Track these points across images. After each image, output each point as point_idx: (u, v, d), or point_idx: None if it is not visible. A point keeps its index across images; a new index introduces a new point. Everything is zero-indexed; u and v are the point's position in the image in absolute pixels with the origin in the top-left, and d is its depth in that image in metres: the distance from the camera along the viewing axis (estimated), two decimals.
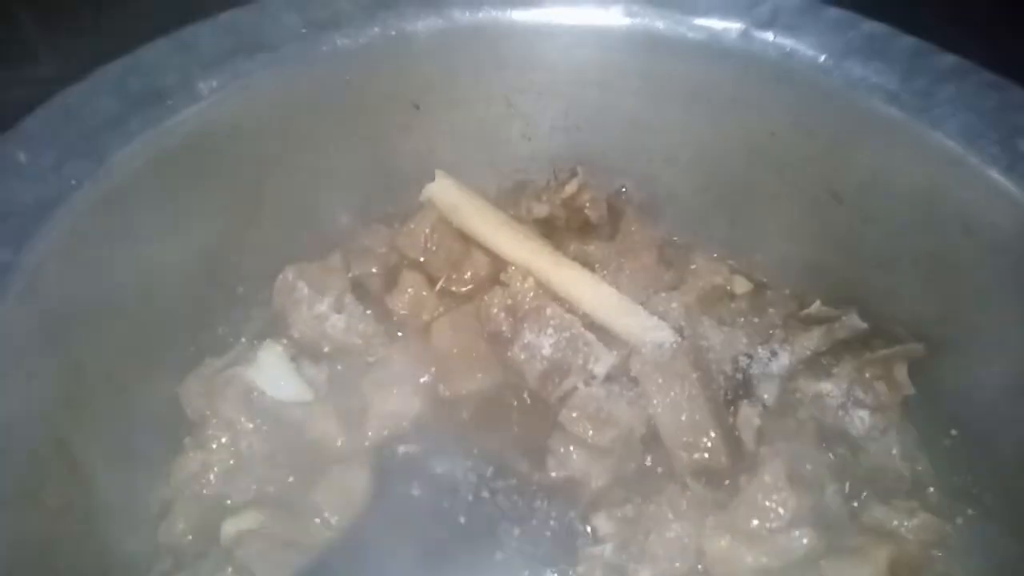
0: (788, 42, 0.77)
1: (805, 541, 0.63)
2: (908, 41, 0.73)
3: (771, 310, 0.85)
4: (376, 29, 0.80)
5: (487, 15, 0.82)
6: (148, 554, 0.71)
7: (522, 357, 0.79)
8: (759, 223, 0.90)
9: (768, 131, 0.82)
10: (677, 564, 0.66)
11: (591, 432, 0.74)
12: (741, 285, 0.92)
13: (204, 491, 0.75)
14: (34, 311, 0.57)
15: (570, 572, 0.68)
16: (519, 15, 0.83)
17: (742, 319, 0.85)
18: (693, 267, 0.91)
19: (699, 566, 0.67)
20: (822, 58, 0.75)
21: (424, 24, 0.81)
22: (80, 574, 0.62)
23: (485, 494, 0.69)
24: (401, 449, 0.71)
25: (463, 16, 0.83)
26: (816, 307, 0.84)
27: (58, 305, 0.61)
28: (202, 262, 0.79)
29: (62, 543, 0.60)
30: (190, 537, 0.73)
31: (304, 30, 0.76)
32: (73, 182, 0.60)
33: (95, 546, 0.64)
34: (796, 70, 0.77)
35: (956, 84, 0.69)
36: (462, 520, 0.65)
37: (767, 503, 0.65)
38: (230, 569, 0.68)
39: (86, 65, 0.65)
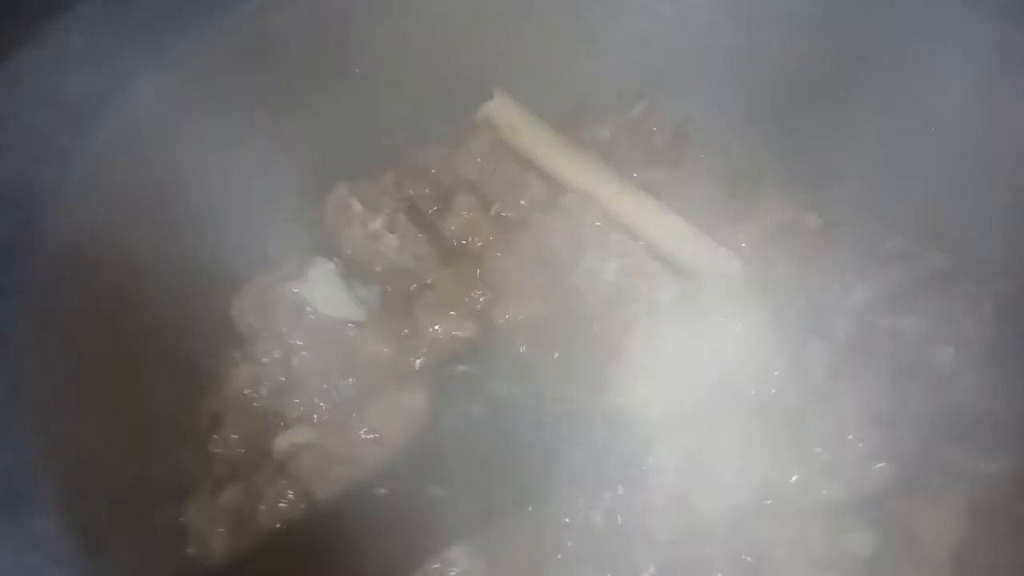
0: None
1: (885, 475, 0.60)
2: None
3: (846, 245, 0.81)
4: None
5: None
6: (202, 463, 0.71)
7: (584, 283, 0.76)
8: (836, 155, 0.85)
9: (855, 53, 0.77)
10: (746, 496, 0.63)
11: (651, 359, 0.71)
12: (814, 220, 0.88)
13: (255, 405, 0.73)
14: (97, 204, 0.55)
15: (632, 499, 0.66)
16: None
17: (815, 254, 0.81)
18: (763, 201, 0.86)
19: (767, 501, 0.64)
20: None
21: None
22: (137, 478, 0.61)
23: (546, 418, 0.67)
24: (460, 368, 0.68)
25: None
26: (896, 242, 0.80)
27: (115, 201, 0.58)
28: (253, 172, 0.76)
29: (118, 445, 0.58)
30: (242, 450, 0.72)
31: None
32: (131, 70, 0.57)
33: (150, 451, 0.63)
34: None
35: None
36: (525, 440, 0.62)
37: (840, 436, 0.62)
38: (283, 482, 0.66)
39: None
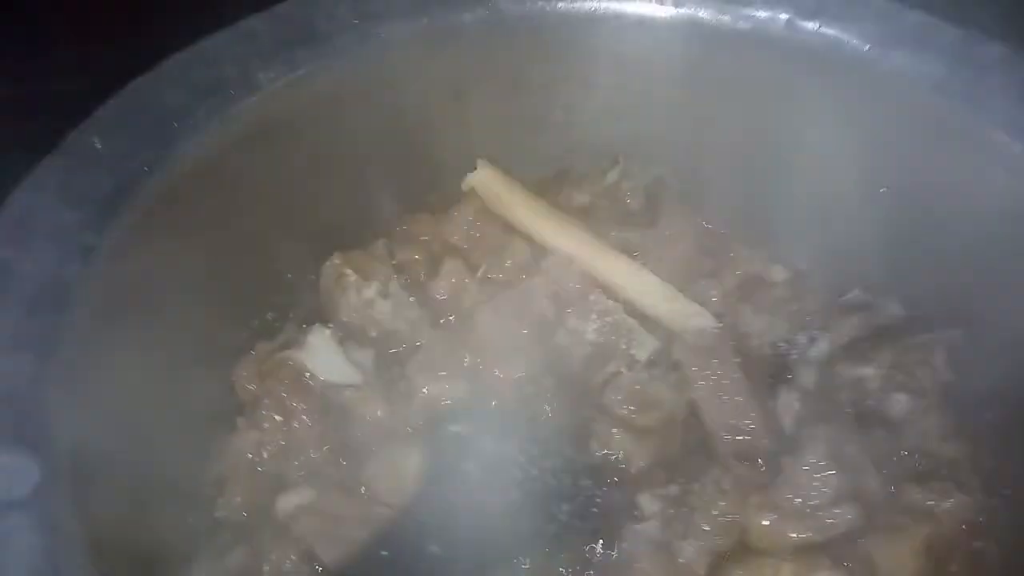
0: (833, 32, 0.78)
1: (849, 517, 0.65)
2: (955, 31, 0.74)
3: (809, 297, 0.87)
4: (424, 20, 0.82)
5: (533, 6, 0.84)
6: (208, 529, 0.74)
7: (566, 342, 0.81)
8: (799, 213, 0.91)
9: (811, 120, 0.83)
10: (721, 540, 0.68)
11: (633, 413, 0.76)
12: (779, 273, 0.94)
13: (258, 468, 0.77)
14: (112, 295, 0.60)
15: (616, 548, 0.70)
16: (564, 5, 0.85)
17: (780, 306, 0.87)
18: (731, 255, 0.92)
19: (742, 542, 0.69)
20: (867, 48, 0.77)
21: (471, 15, 0.83)
22: (148, 542, 0.65)
23: (534, 472, 0.71)
24: (452, 428, 0.73)
25: (509, 7, 0.85)
26: (855, 294, 0.86)
27: (130, 290, 0.63)
28: (255, 249, 0.81)
29: (129, 519, 0.62)
30: (246, 513, 0.75)
31: (356, 21, 0.78)
32: (146, 168, 0.63)
33: (160, 518, 0.67)
34: (841, 59, 0.78)
35: (1004, 75, 0.70)
36: (515, 495, 0.67)
37: (810, 481, 0.67)
38: (286, 543, 0.70)
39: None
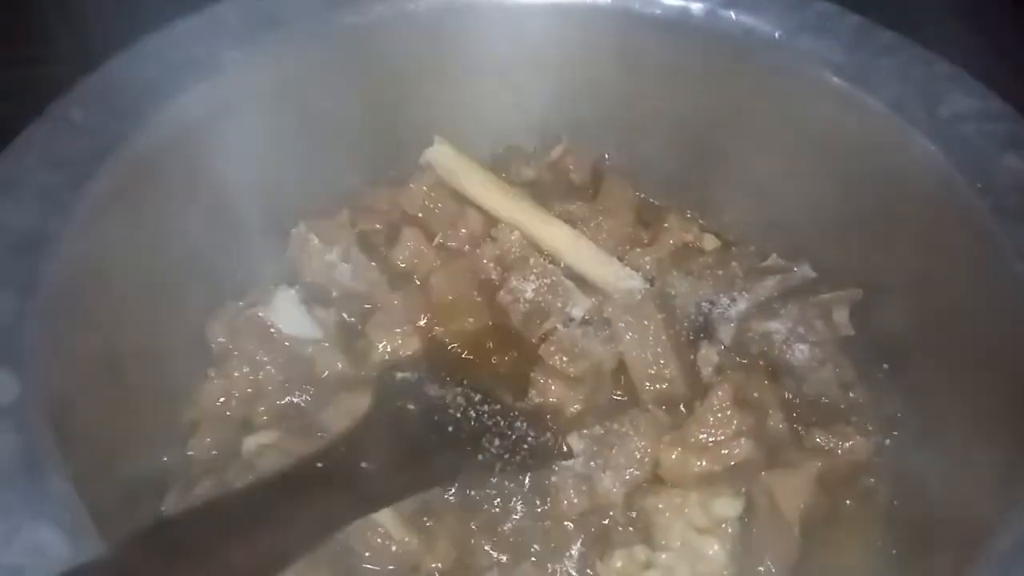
0: (748, 19, 0.86)
1: (742, 449, 0.73)
2: (854, 19, 0.82)
3: (734, 264, 0.95)
4: (381, 7, 0.89)
5: None
6: (180, 463, 0.82)
7: (508, 300, 0.89)
8: (728, 187, 1.00)
9: (732, 100, 0.92)
10: (636, 472, 0.76)
11: (567, 364, 0.84)
12: (710, 242, 1.02)
13: (227, 413, 0.85)
14: (91, 248, 0.68)
15: (545, 481, 0.79)
16: None
17: (708, 271, 0.95)
18: (666, 226, 1.00)
19: (654, 474, 0.77)
20: (777, 34, 0.85)
21: (425, 3, 0.90)
22: (127, 476, 0.73)
23: (472, 414, 0.79)
24: (399, 375, 0.81)
25: None
26: (772, 259, 0.94)
27: (106, 246, 0.71)
28: (226, 215, 0.89)
29: (113, 447, 0.70)
30: (215, 452, 0.83)
31: (319, 6, 0.86)
32: (120, 137, 0.71)
33: (138, 455, 0.75)
34: (755, 46, 0.86)
35: (892, 58, 0.78)
36: (450, 429, 0.75)
37: (712, 419, 0.75)
38: (250, 476, 0.78)
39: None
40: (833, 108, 0.82)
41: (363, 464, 0.63)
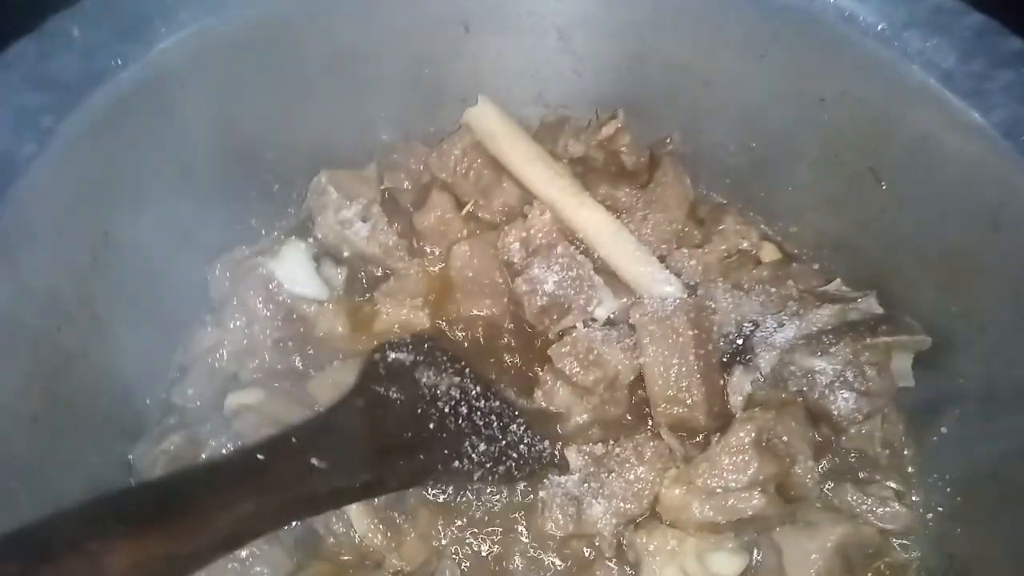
0: (850, 5, 0.73)
1: (755, 503, 0.64)
2: (975, 19, 0.68)
3: (790, 283, 0.84)
4: None
5: None
6: (159, 409, 0.79)
7: (524, 289, 0.81)
8: (798, 192, 0.88)
9: (818, 95, 0.79)
10: (631, 505, 0.68)
11: (577, 370, 0.76)
12: (770, 253, 0.91)
13: (217, 364, 0.81)
14: (71, 176, 0.63)
15: (533, 494, 0.72)
16: None
17: (760, 286, 0.84)
18: (722, 228, 0.89)
19: (652, 510, 0.69)
20: (881, 26, 0.71)
21: None
22: (92, 415, 0.69)
23: (463, 409, 0.72)
24: (392, 355, 0.74)
25: None
26: (835, 285, 0.83)
27: (94, 174, 0.66)
28: (241, 155, 0.83)
29: (77, 384, 0.67)
30: (199, 403, 0.79)
31: None
32: (119, 62, 0.65)
33: (109, 392, 0.71)
34: (853, 36, 0.73)
35: (1015, 71, 0.65)
36: (431, 426, 0.68)
37: (727, 462, 0.66)
38: (224, 437, 0.74)
39: None
40: (933, 121, 0.69)
41: (313, 461, 0.57)
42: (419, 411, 0.69)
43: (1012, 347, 0.66)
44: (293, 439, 0.61)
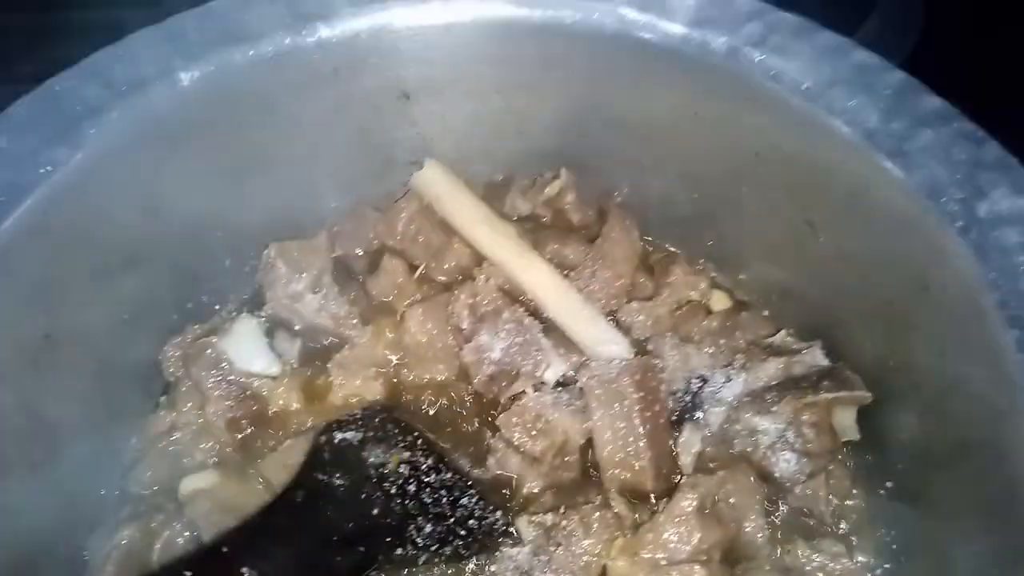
0: (776, 63, 0.74)
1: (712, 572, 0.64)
2: (897, 77, 0.68)
3: (738, 334, 0.84)
4: (362, 21, 0.81)
5: (489, 7, 0.81)
6: (115, 501, 0.79)
7: (472, 359, 0.81)
8: (743, 241, 0.89)
9: (752, 150, 0.80)
10: None
11: (524, 439, 0.76)
12: (720, 301, 0.91)
13: (171, 448, 0.81)
14: (4, 288, 0.63)
15: (486, 568, 0.72)
16: (510, 10, 0.82)
17: (709, 339, 0.85)
18: (672, 279, 0.90)
19: None
20: (806, 85, 0.72)
21: (409, 17, 0.81)
22: (40, 520, 0.70)
23: (411, 487, 0.72)
24: (338, 436, 0.75)
25: (460, 9, 0.83)
26: (781, 336, 0.83)
27: (30, 280, 0.67)
28: (186, 237, 0.83)
29: (21, 493, 0.67)
30: (156, 488, 0.80)
31: (290, 21, 0.78)
32: (48, 168, 0.66)
33: (56, 494, 0.72)
34: (781, 94, 0.73)
35: (934, 131, 0.65)
36: (375, 512, 0.68)
37: (670, 535, 0.66)
38: (178, 525, 0.74)
39: None
40: (861, 180, 0.69)
41: (243, 571, 0.57)
42: (363, 496, 0.69)
43: (942, 406, 0.66)
44: (224, 549, 0.61)
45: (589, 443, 0.78)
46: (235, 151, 0.83)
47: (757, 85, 0.74)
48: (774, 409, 0.73)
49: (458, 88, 0.89)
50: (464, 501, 0.74)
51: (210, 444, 0.81)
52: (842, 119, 0.70)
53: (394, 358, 0.87)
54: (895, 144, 0.66)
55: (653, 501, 0.75)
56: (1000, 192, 0.60)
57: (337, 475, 0.70)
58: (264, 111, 0.83)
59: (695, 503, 0.67)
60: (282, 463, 0.78)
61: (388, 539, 0.67)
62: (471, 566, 0.72)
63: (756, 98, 0.75)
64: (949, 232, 0.61)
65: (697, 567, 0.65)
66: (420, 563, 0.68)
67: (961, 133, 0.64)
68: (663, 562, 0.66)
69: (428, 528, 0.69)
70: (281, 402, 0.84)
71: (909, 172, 0.65)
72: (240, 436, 0.82)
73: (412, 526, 0.69)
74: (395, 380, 0.86)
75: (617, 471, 0.75)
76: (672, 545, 0.66)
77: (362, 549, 0.65)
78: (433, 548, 0.68)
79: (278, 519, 0.65)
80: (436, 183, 0.90)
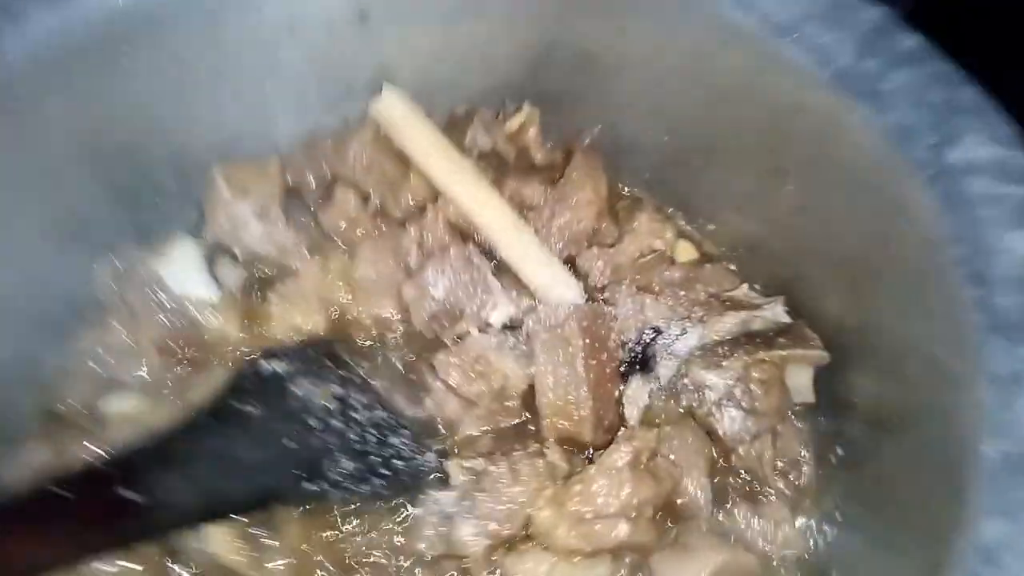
0: None
1: (618, 531, 0.61)
2: (875, 12, 0.63)
3: (699, 286, 0.80)
4: None
5: None
6: (39, 416, 0.76)
7: (412, 295, 0.77)
8: (713, 189, 0.84)
9: (722, 90, 0.75)
10: (502, 526, 0.65)
11: (459, 381, 0.73)
12: (686, 252, 0.87)
13: (98, 368, 0.78)
14: None
15: (407, 509, 0.69)
16: None
17: (669, 289, 0.80)
18: (635, 225, 0.85)
19: (524, 533, 0.66)
20: (781, 17, 0.66)
21: None
22: None
23: (336, 422, 0.69)
24: (266, 365, 0.71)
25: None
26: (743, 291, 0.79)
27: None
28: (126, 155, 0.79)
29: None
30: (79, 407, 0.77)
31: None
32: None
33: None
34: (752, 28, 0.68)
35: (909, 71, 0.60)
36: (288, 446, 0.65)
37: (598, 487, 0.63)
38: (96, 447, 0.71)
39: None
40: (828, 122, 0.64)
41: (127, 494, 0.54)
42: (279, 428, 0.65)
43: (901, 368, 0.61)
44: (111, 470, 0.58)
45: (532, 389, 0.75)
46: (180, 70, 0.78)
47: (728, 17, 0.69)
48: (724, 364, 0.69)
49: (421, 11, 0.83)
50: (393, 440, 0.71)
51: (139, 368, 0.78)
52: (814, 56, 0.65)
53: (340, 292, 0.83)
54: (868, 84, 0.61)
55: (591, 453, 0.72)
56: (973, 138, 0.55)
57: (255, 403, 0.66)
58: (210, 27, 0.78)
59: (628, 457, 0.64)
60: (211, 389, 0.74)
61: (295, 471, 0.63)
62: (391, 507, 0.68)
63: (727, 31, 0.70)
64: (916, 180, 0.57)
65: (623, 522, 0.61)
66: (333, 499, 0.65)
67: (938, 74, 0.59)
68: (589, 515, 0.63)
69: (346, 464, 0.66)
70: (217, 330, 0.80)
71: (881, 114, 0.60)
72: (171, 361, 0.79)
73: (329, 461, 0.65)
74: (339, 315, 0.82)
75: (556, 419, 0.72)
76: (600, 499, 0.63)
77: (266, 482, 0.62)
78: (348, 485, 0.65)
79: (176, 444, 0.62)
80: (392, 110, 0.85)
